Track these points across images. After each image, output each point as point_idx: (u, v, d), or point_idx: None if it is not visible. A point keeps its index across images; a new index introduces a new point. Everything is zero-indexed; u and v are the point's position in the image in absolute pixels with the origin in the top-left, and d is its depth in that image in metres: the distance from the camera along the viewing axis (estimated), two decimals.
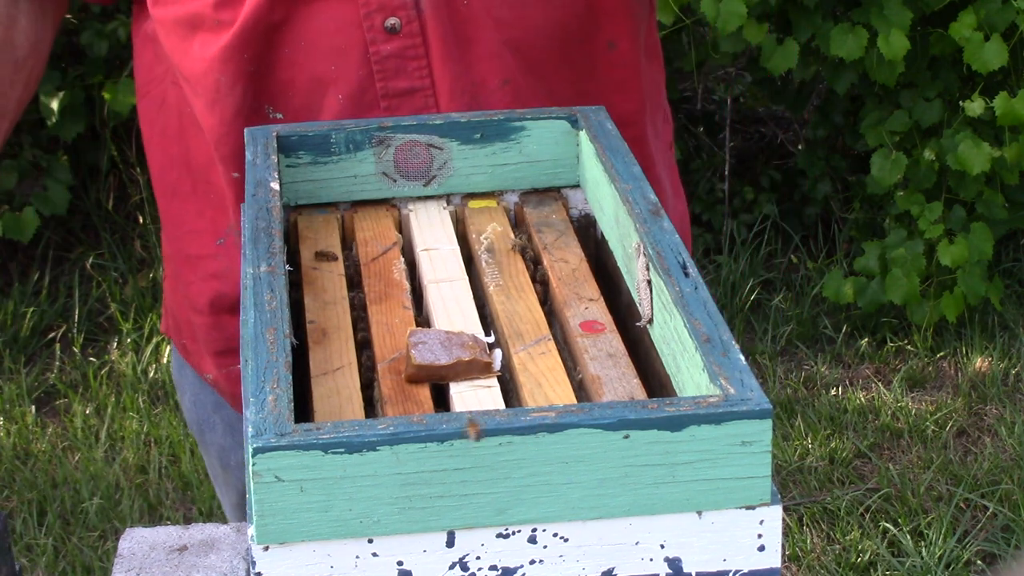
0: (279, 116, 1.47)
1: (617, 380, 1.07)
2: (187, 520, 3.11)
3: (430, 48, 1.44)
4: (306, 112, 1.46)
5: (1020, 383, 3.54)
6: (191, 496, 3.19)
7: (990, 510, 3.10)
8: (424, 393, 1.07)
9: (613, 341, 1.12)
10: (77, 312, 3.76)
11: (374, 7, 1.43)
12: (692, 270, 1.07)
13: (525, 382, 1.07)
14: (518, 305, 1.17)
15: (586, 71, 1.50)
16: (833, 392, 3.53)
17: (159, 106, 1.58)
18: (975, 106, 3.42)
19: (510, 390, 1.08)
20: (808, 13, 3.56)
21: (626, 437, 0.91)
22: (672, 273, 1.07)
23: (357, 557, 0.92)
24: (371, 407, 1.07)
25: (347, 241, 1.31)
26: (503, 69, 1.45)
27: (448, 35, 1.44)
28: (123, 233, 4.00)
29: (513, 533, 0.93)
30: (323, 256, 1.24)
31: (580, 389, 1.08)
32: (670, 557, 0.94)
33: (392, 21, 1.43)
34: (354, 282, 1.23)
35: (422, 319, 1.19)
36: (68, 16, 3.82)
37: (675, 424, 0.91)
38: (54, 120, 3.69)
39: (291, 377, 0.97)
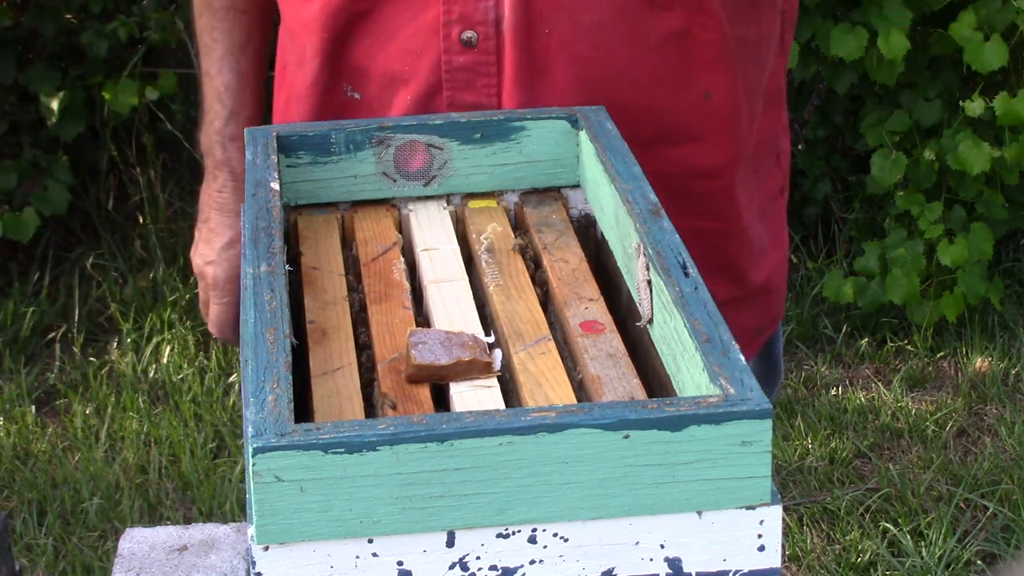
0: (356, 96, 1.48)
1: (617, 380, 1.07)
2: (187, 520, 3.11)
3: (503, 68, 1.42)
4: (378, 102, 1.47)
5: (1020, 383, 3.54)
6: (191, 496, 3.19)
7: (990, 510, 3.10)
8: (424, 393, 1.07)
9: (613, 341, 1.12)
10: (77, 312, 3.76)
11: (455, 16, 1.42)
12: (692, 270, 1.07)
13: (525, 382, 1.07)
14: (518, 305, 1.17)
15: (673, 118, 1.47)
16: (833, 392, 3.53)
17: (284, 44, 1.61)
18: (975, 106, 3.42)
19: (510, 390, 1.08)
20: (808, 13, 3.56)
21: (626, 437, 0.91)
22: (672, 273, 1.07)
23: (357, 557, 0.92)
24: (371, 407, 1.07)
25: (347, 241, 1.31)
26: (570, 103, 1.42)
27: (523, 60, 1.42)
28: (123, 233, 4.00)
29: (513, 533, 0.93)
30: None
31: (580, 389, 1.08)
32: (670, 557, 0.94)
33: (469, 34, 1.42)
34: (354, 282, 1.23)
35: (422, 319, 1.19)
36: (68, 16, 3.82)
37: (675, 424, 0.91)
38: (54, 120, 3.69)
39: (291, 377, 0.97)
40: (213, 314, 1.68)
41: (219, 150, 1.63)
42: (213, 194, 1.65)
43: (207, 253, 1.66)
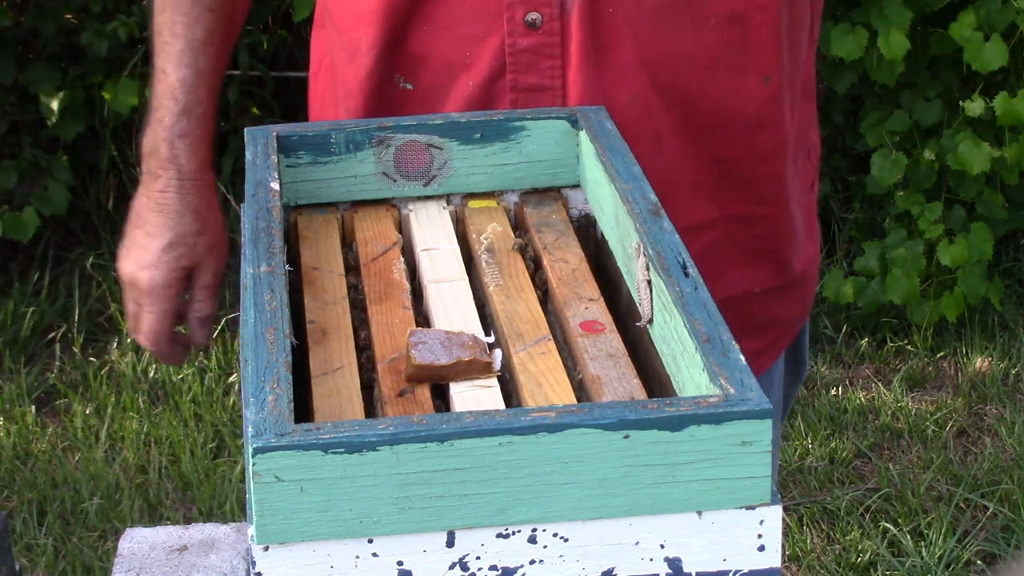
0: (409, 87, 1.47)
1: (617, 380, 1.07)
2: (187, 520, 3.11)
3: (568, 49, 1.42)
4: (435, 90, 1.46)
5: (1020, 383, 3.54)
6: (191, 496, 3.19)
7: (990, 510, 3.10)
8: (424, 393, 1.07)
9: (613, 341, 1.12)
10: (77, 312, 3.76)
11: None
12: (692, 270, 1.07)
13: (525, 382, 1.07)
14: (518, 305, 1.17)
15: (733, 103, 1.47)
16: (833, 392, 3.53)
17: (331, 41, 1.58)
18: (975, 106, 3.42)
19: (510, 390, 1.08)
20: None
21: (626, 437, 0.91)
22: (672, 273, 1.07)
23: (357, 557, 0.92)
24: (371, 407, 1.07)
25: (347, 241, 1.31)
26: (634, 84, 1.44)
27: (587, 40, 1.42)
28: (123, 233, 4.00)
29: (513, 533, 0.93)
30: None
31: (580, 389, 1.08)
32: (670, 557, 0.94)
33: (533, 16, 1.42)
34: (354, 282, 1.23)
35: (422, 319, 1.19)
36: (68, 16, 3.82)
37: (675, 424, 0.91)
38: (54, 120, 3.69)
39: (291, 377, 0.97)
40: (146, 325, 1.58)
41: (166, 148, 1.55)
42: (154, 195, 1.57)
43: (142, 257, 1.58)
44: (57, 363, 3.62)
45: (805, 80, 1.57)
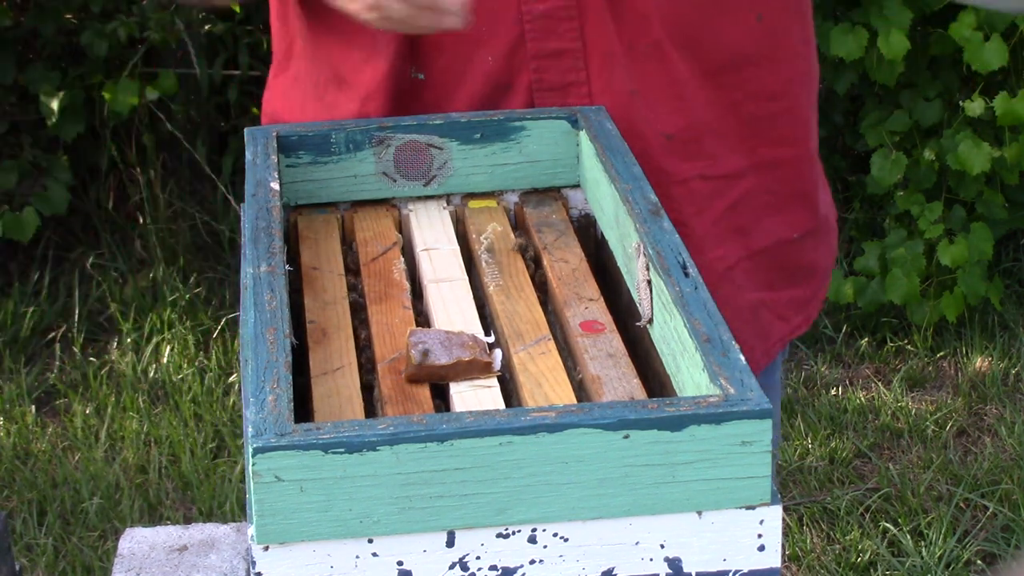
0: (420, 77, 1.46)
1: (617, 380, 1.07)
2: (187, 520, 3.11)
3: (585, 10, 1.43)
4: (450, 73, 1.45)
5: (1020, 383, 3.54)
6: (191, 496, 3.19)
7: (990, 510, 3.10)
8: (424, 393, 1.07)
9: (613, 341, 1.12)
10: (77, 312, 3.76)
11: None
12: (692, 270, 1.07)
13: (525, 382, 1.07)
14: (518, 305, 1.17)
15: (733, 43, 1.49)
16: (833, 392, 3.53)
17: (294, 80, 1.56)
18: (975, 106, 3.42)
19: (510, 390, 1.08)
20: None
21: (626, 437, 0.91)
22: (672, 273, 1.07)
23: (357, 557, 0.92)
24: (371, 407, 1.07)
25: (347, 241, 1.31)
26: (651, 38, 1.44)
27: None
28: (123, 233, 4.00)
29: (513, 533, 0.93)
30: None
31: (580, 389, 1.08)
32: (670, 557, 0.94)
33: None
34: (354, 282, 1.23)
35: (422, 319, 1.19)
36: (68, 16, 3.82)
37: (675, 424, 0.91)
38: (54, 120, 3.68)
39: (291, 377, 0.97)
40: None
41: None
42: None
43: None
44: (57, 363, 3.62)
45: (804, 28, 1.59)
